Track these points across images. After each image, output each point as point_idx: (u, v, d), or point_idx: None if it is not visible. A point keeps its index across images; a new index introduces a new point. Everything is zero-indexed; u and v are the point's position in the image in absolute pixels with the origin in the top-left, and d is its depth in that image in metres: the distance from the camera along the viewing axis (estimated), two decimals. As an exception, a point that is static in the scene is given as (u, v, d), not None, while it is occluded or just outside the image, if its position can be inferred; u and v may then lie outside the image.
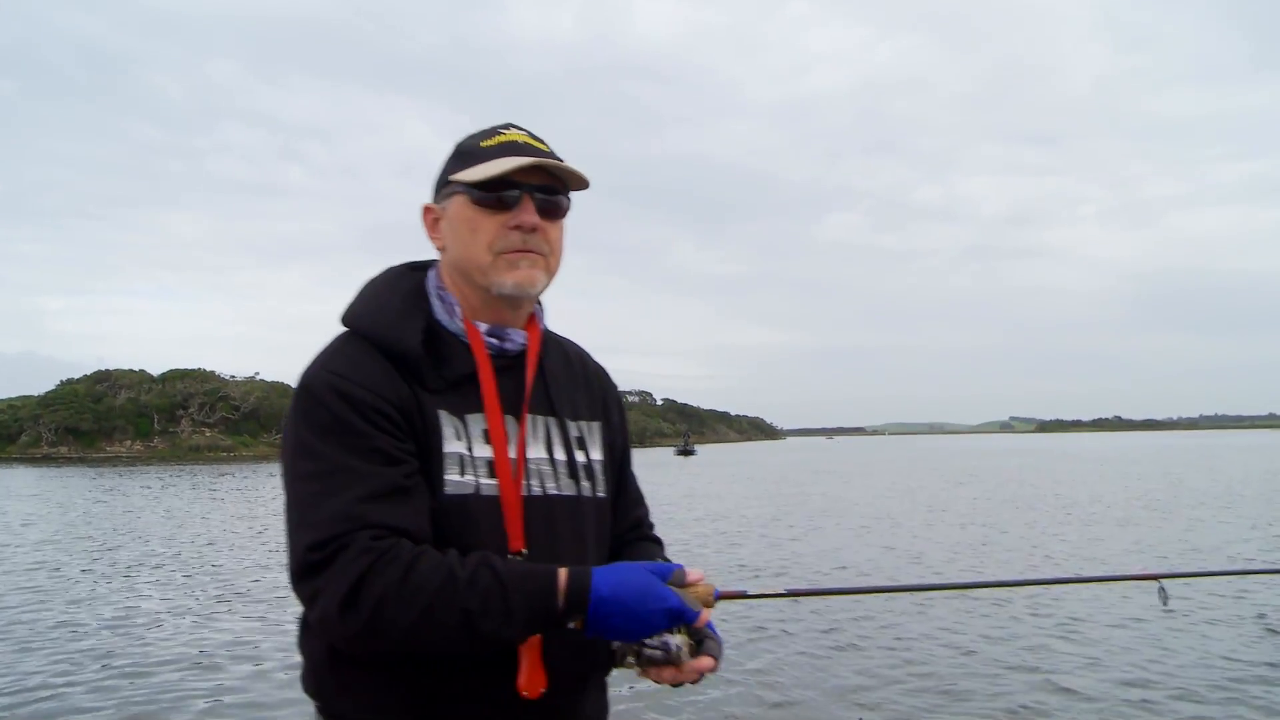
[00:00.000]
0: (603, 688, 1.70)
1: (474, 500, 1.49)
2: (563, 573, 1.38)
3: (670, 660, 1.44)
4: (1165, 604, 2.07)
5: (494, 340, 1.58)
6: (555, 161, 1.54)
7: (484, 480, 1.51)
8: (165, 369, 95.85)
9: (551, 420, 1.63)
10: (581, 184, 1.60)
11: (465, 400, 1.54)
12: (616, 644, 1.49)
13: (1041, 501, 24.66)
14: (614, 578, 1.39)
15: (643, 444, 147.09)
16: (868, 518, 20.95)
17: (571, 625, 1.38)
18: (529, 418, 1.60)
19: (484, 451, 1.52)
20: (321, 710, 1.56)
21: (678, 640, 1.44)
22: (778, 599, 1.81)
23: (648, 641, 1.43)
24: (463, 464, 1.50)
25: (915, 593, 9.22)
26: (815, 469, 51.63)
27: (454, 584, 1.34)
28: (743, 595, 1.66)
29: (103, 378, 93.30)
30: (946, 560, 13.89)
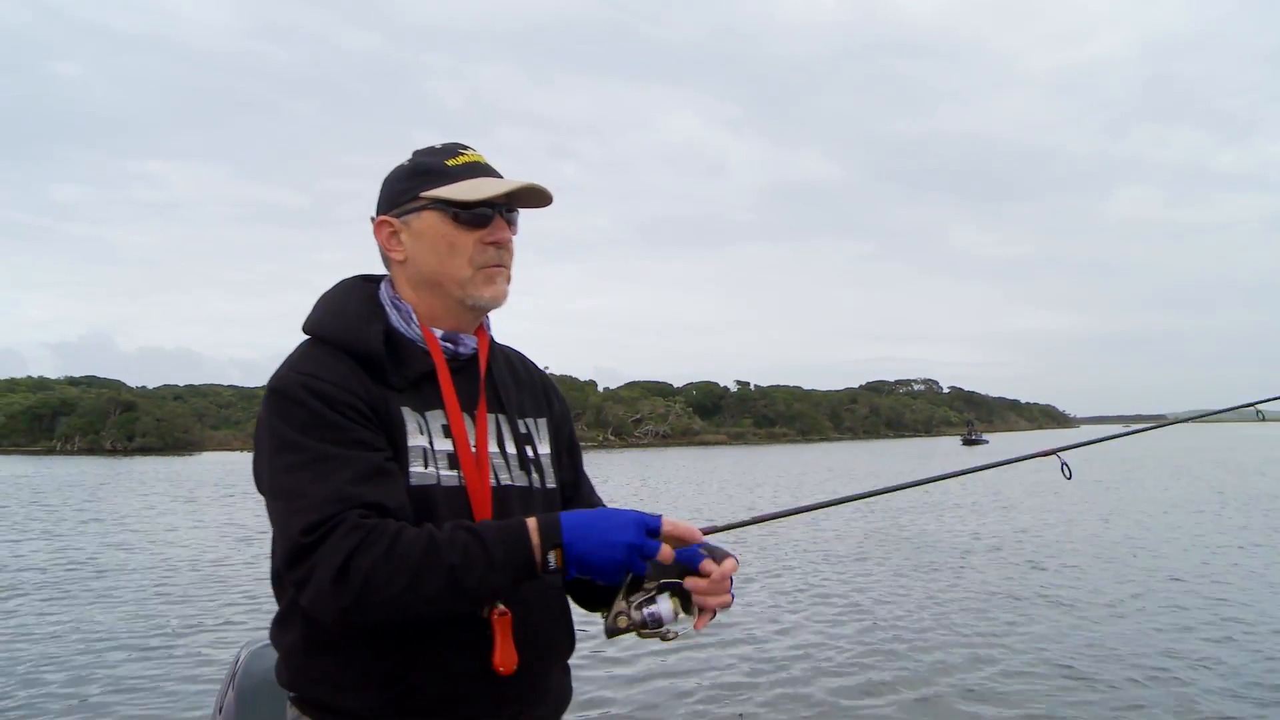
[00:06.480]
0: (567, 670, 1.77)
1: (436, 490, 1.59)
2: (531, 519, 1.50)
3: (661, 622, 1.55)
4: (1069, 477, 2.26)
5: (449, 345, 1.69)
6: (544, 188, 1.68)
7: (444, 471, 1.61)
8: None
9: (502, 417, 1.74)
10: (545, 204, 1.73)
11: (424, 398, 1.64)
12: (609, 612, 1.57)
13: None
14: (576, 515, 1.51)
15: (929, 433, 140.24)
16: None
17: (552, 562, 1.47)
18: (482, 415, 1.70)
19: (444, 445, 1.63)
20: (297, 700, 1.62)
21: (667, 606, 1.56)
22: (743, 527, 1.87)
23: (633, 600, 1.55)
24: (425, 457, 1.60)
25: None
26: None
27: (436, 547, 1.43)
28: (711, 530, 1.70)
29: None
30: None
